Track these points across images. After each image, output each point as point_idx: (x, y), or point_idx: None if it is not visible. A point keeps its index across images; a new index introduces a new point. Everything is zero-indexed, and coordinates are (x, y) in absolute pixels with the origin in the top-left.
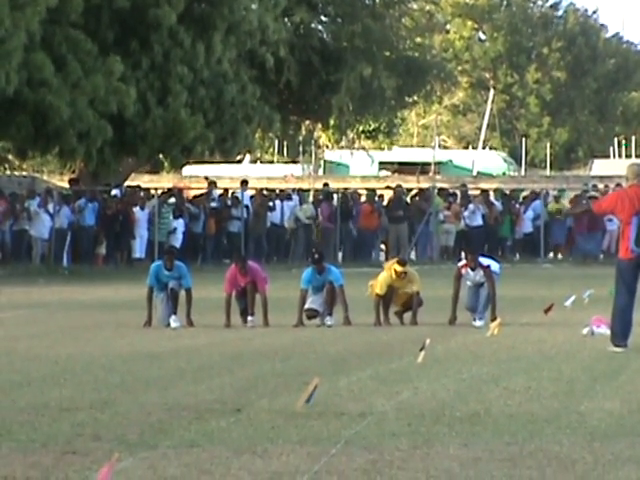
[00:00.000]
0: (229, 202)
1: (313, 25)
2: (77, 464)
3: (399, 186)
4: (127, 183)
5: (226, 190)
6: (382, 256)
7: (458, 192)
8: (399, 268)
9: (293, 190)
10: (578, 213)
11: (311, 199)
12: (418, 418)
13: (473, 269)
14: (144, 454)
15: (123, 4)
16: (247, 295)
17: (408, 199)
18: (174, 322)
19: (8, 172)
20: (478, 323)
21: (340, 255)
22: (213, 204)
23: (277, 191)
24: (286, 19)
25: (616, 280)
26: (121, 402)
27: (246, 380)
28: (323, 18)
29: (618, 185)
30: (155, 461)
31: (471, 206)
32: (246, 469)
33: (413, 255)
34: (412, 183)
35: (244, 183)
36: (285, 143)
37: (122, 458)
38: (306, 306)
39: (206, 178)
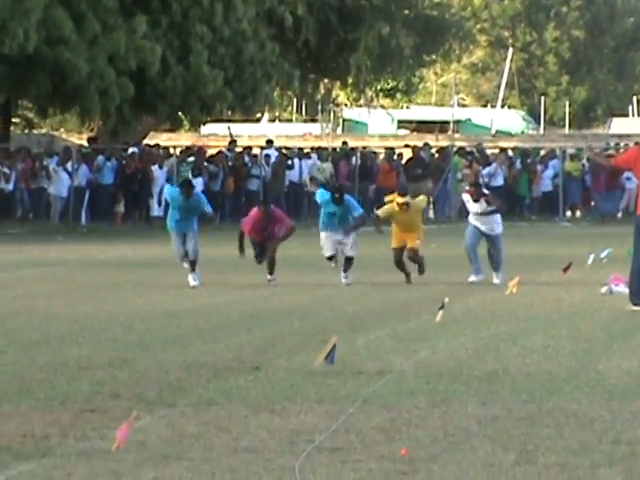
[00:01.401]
0: (247, 160)
1: None
2: (96, 422)
3: (426, 144)
4: (146, 141)
5: (245, 148)
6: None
7: (476, 151)
8: (400, 200)
9: (312, 149)
10: (599, 163)
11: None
12: (436, 377)
13: (476, 200)
14: (163, 412)
15: None
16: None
17: (427, 156)
18: (193, 280)
19: (27, 131)
20: (496, 280)
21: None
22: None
23: (296, 149)
24: None
25: (635, 238)
26: (140, 360)
27: (264, 338)
28: None
29: (637, 144)
30: (173, 419)
31: (494, 166)
32: (264, 427)
33: (432, 214)
34: (431, 141)
35: (269, 142)
36: (304, 101)
37: (141, 416)
38: (324, 250)
39: (231, 135)
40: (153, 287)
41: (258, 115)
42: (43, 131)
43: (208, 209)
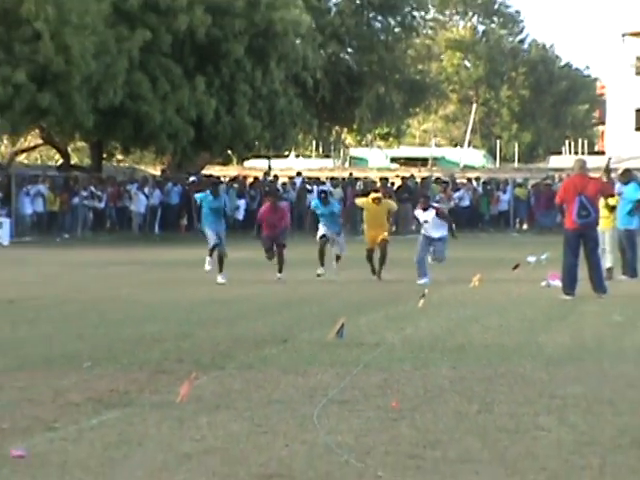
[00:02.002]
0: (279, 187)
1: (341, 55)
2: (165, 381)
3: (412, 175)
4: (203, 172)
5: (276, 177)
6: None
7: (449, 180)
8: (374, 195)
9: (326, 178)
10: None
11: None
12: (418, 348)
13: (425, 209)
14: (215, 373)
15: (201, 38)
16: (277, 255)
17: (412, 184)
18: (221, 278)
19: (115, 164)
20: (422, 281)
21: (362, 227)
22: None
23: (314, 179)
24: (321, 51)
25: (564, 246)
26: (198, 335)
27: (290, 319)
28: (349, 50)
29: (568, 175)
30: (223, 379)
31: (462, 191)
32: (291, 385)
33: (414, 225)
34: (415, 173)
35: (299, 174)
36: (320, 142)
37: (198, 376)
38: (319, 233)
39: (269, 167)
40: (207, 281)
41: (286, 152)
42: (127, 164)
43: (228, 206)
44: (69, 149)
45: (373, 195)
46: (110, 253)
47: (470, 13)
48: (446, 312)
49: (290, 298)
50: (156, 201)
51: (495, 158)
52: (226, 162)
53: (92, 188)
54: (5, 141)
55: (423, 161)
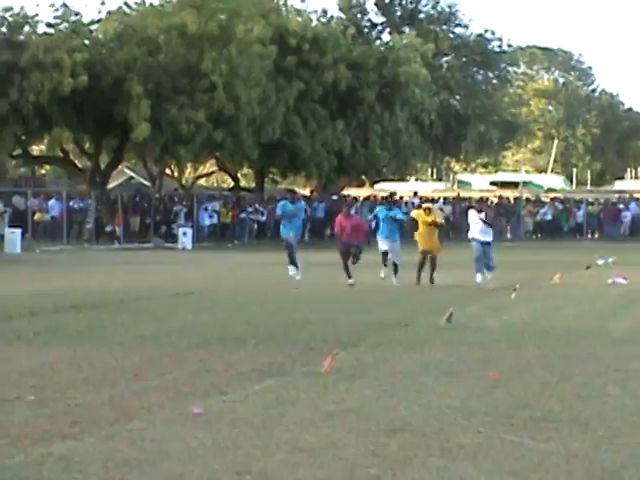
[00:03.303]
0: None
1: (451, 101)
2: (312, 356)
3: (507, 197)
4: (342, 192)
5: (400, 197)
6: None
7: (533, 198)
8: (424, 205)
9: (439, 197)
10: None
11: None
12: (511, 331)
13: (480, 211)
14: (351, 350)
15: (343, 88)
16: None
17: (507, 203)
18: (291, 271)
19: (273, 185)
20: (480, 279)
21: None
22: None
23: (430, 198)
24: (435, 97)
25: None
26: (338, 319)
27: (411, 308)
28: (457, 97)
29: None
30: (358, 355)
31: (546, 207)
32: (411, 360)
33: (509, 235)
34: (509, 194)
35: (415, 193)
36: (434, 169)
37: (339, 352)
38: (381, 249)
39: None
40: (344, 278)
41: (407, 177)
42: (283, 186)
43: (304, 215)
44: (238, 174)
45: (423, 205)
46: (270, 256)
47: (552, 68)
48: (533, 303)
49: (410, 292)
50: (306, 215)
51: (572, 182)
52: (360, 185)
53: (256, 205)
54: (189, 168)
55: (515, 185)
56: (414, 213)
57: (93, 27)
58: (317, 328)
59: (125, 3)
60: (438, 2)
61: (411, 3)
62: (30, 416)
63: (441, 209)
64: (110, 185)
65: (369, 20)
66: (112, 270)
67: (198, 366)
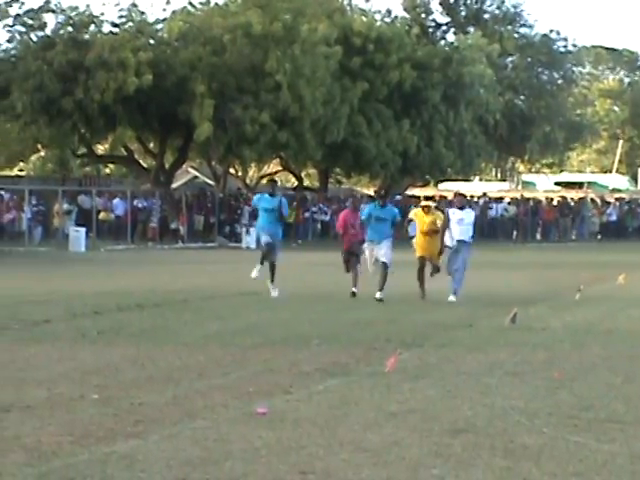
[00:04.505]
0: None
1: (516, 101)
2: (376, 355)
3: (571, 198)
4: (406, 192)
5: (478, 197)
6: (556, 237)
7: (599, 200)
8: (423, 203)
9: (503, 198)
10: None
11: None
12: (576, 332)
13: (461, 208)
14: (415, 350)
15: (407, 88)
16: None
17: (572, 203)
18: (273, 291)
19: (337, 185)
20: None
21: (538, 235)
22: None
23: (494, 198)
24: (500, 97)
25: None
26: (401, 320)
27: (475, 308)
28: (521, 97)
29: None
30: (422, 354)
31: (611, 207)
32: (474, 360)
33: (573, 235)
34: (574, 194)
35: (484, 194)
36: (499, 170)
37: (402, 352)
38: (371, 272)
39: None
40: (403, 277)
41: (471, 177)
42: (346, 186)
43: (285, 212)
44: (302, 174)
45: (423, 203)
46: (334, 256)
47: (618, 68)
48: (597, 304)
49: (473, 292)
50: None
51: (637, 182)
52: (425, 184)
53: (320, 205)
54: (253, 167)
55: (580, 185)
56: (412, 213)
57: (158, 26)
58: (381, 328)
59: (190, 3)
60: (503, 2)
61: (476, 3)
62: (94, 415)
63: (461, 207)
64: (174, 184)
65: (433, 20)
66: (176, 269)
67: (262, 365)
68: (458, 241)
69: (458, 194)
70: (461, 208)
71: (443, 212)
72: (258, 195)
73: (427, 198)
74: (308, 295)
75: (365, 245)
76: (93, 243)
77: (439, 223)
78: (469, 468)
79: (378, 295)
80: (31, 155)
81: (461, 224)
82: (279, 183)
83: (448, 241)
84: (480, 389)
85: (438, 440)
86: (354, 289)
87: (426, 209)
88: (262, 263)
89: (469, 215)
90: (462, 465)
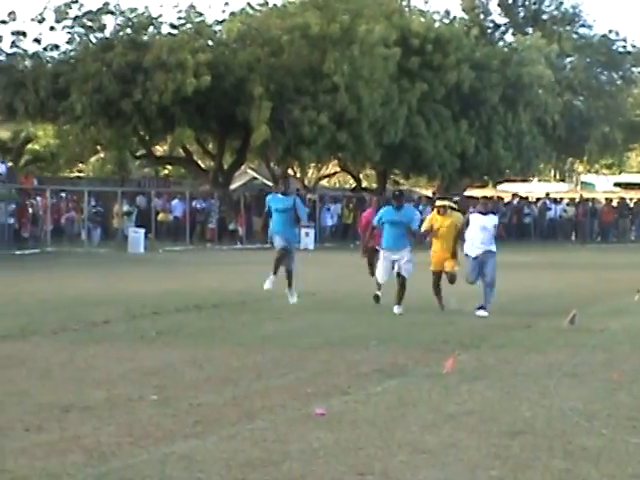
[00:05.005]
0: (523, 205)
1: (574, 102)
2: (434, 357)
3: (630, 198)
4: (465, 193)
5: (522, 198)
6: (615, 238)
7: None
8: (438, 202)
9: (562, 198)
10: None
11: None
12: (635, 333)
13: (485, 214)
14: (473, 351)
15: (465, 89)
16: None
17: (631, 203)
18: (292, 298)
19: (395, 186)
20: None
21: (596, 236)
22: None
23: (553, 199)
24: (559, 98)
25: None
26: (459, 321)
27: (533, 309)
28: (580, 98)
29: None
30: (480, 356)
31: None
32: (533, 361)
33: (633, 236)
34: (635, 195)
35: (547, 195)
36: (557, 170)
37: (460, 354)
38: (380, 280)
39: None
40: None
41: (530, 178)
42: (405, 187)
43: (302, 214)
44: (360, 175)
45: (438, 203)
46: None
47: None
48: None
49: (532, 293)
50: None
51: None
52: (483, 185)
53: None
54: (311, 169)
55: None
56: (427, 220)
57: (217, 28)
58: (438, 329)
59: (248, 4)
60: (562, 2)
61: (534, 4)
62: (153, 415)
63: (493, 212)
64: (233, 185)
65: (492, 21)
66: (234, 270)
67: (320, 366)
68: (483, 251)
69: (484, 197)
70: (484, 213)
71: (464, 214)
72: (270, 195)
73: (441, 198)
74: (366, 296)
75: (381, 253)
76: (152, 244)
77: (458, 226)
78: (527, 470)
79: (396, 310)
80: (90, 157)
81: (484, 231)
82: (337, 184)
83: (470, 250)
84: (538, 390)
85: (496, 442)
86: (378, 292)
87: (442, 210)
88: (275, 272)
89: (492, 221)
90: (520, 467)
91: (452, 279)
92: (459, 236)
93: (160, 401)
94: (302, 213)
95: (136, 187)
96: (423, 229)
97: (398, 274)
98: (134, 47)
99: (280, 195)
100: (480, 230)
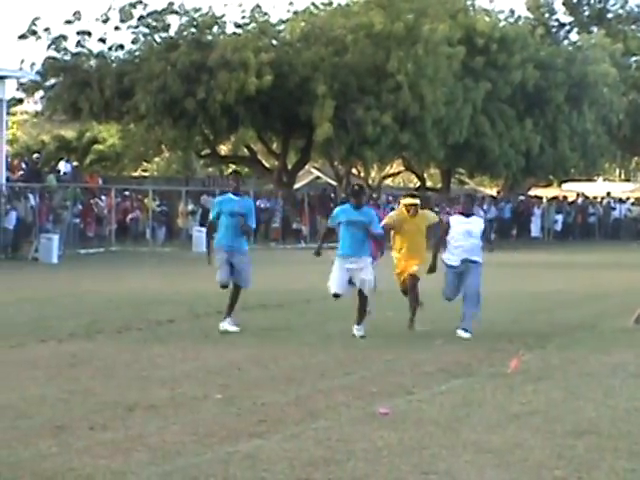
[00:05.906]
0: (588, 204)
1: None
2: (498, 356)
3: None
4: (529, 193)
5: (586, 197)
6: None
7: None
8: (408, 200)
9: (627, 198)
10: None
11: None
12: None
13: (468, 215)
14: (538, 351)
15: (530, 88)
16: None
17: None
18: (227, 325)
19: (460, 186)
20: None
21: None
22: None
23: (618, 198)
24: (624, 97)
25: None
26: (524, 321)
27: (597, 309)
28: None
29: None
30: (544, 356)
31: None
32: (598, 361)
33: None
34: None
35: (608, 194)
36: (622, 170)
37: (525, 354)
38: (332, 290)
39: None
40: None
41: (595, 178)
42: (469, 186)
43: (251, 221)
44: (425, 174)
45: (407, 201)
46: None
47: None
48: None
49: (596, 292)
50: (492, 215)
51: None
52: (548, 185)
53: (443, 204)
54: (375, 168)
55: None
56: (392, 216)
57: (281, 27)
58: (502, 329)
59: (312, 3)
60: (627, 1)
61: (599, 2)
62: (217, 414)
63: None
64: (297, 185)
65: (557, 20)
66: (298, 269)
67: (384, 366)
68: (464, 260)
69: (465, 195)
70: (467, 215)
71: (439, 214)
72: (219, 196)
73: (413, 196)
74: (429, 295)
75: (335, 260)
76: None
77: (429, 226)
78: (592, 470)
79: (356, 331)
80: (155, 156)
81: (469, 238)
82: (401, 183)
83: (449, 259)
84: (603, 391)
85: (561, 442)
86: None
87: (412, 209)
88: (231, 306)
89: (478, 226)
90: (585, 467)
91: (413, 284)
92: (440, 241)
93: (224, 400)
94: (252, 221)
95: (200, 186)
96: (383, 223)
97: (360, 291)
98: (198, 47)
99: (231, 194)
100: (464, 236)
